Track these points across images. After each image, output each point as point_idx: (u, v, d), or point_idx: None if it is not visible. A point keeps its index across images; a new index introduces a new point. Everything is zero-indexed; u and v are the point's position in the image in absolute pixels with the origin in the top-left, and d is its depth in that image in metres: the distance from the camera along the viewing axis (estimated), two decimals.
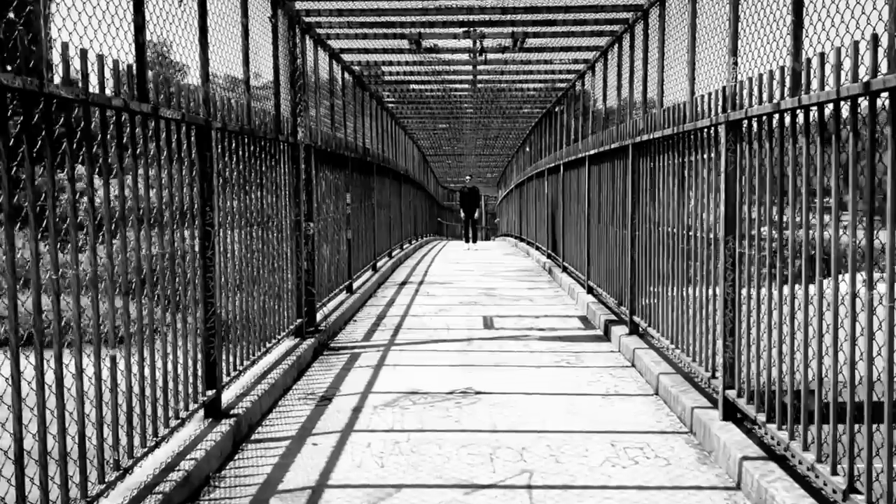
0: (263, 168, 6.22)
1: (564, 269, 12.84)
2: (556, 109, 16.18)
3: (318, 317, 8.03)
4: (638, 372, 6.62)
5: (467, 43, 10.26)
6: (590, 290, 10.10)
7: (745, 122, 4.49)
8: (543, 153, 17.72)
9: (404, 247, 19.44)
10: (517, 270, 15.15)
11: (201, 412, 4.81)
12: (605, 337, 8.12)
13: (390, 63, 12.25)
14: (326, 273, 8.76)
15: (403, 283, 12.93)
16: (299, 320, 7.23)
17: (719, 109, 4.86)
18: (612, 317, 8.42)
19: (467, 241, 22.49)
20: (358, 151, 11.47)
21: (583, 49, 10.18)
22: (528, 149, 22.68)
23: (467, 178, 22.86)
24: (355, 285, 10.86)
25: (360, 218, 11.74)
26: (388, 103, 16.71)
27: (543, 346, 7.70)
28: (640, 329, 7.29)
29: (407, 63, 12.35)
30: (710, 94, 5.05)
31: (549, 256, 15.52)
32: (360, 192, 11.68)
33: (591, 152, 9.74)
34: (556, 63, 11.39)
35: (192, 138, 4.60)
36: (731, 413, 4.74)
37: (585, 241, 10.37)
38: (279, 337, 6.59)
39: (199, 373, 4.77)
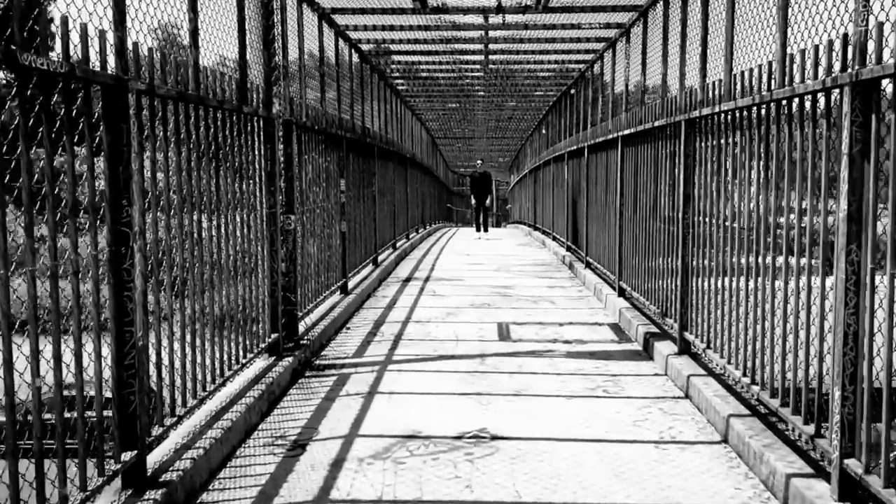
0: (222, 147, 4.87)
1: (588, 265, 11.46)
2: (574, 91, 14.74)
3: (302, 327, 6.70)
4: (695, 407, 5.26)
5: None
6: (621, 293, 8.73)
7: (890, 82, 3.10)
8: (563, 135, 16.30)
9: (411, 236, 18.09)
10: (534, 264, 13.78)
11: (118, 482, 3.50)
12: (646, 354, 6.77)
13: (392, 28, 10.85)
14: (314, 274, 7.43)
15: (408, 280, 11.59)
16: (274, 335, 5.90)
17: (836, 67, 3.48)
18: (653, 328, 7.05)
19: (478, 229, 21.11)
20: (356, 131, 10.10)
21: (617, 9, 8.73)
22: (544, 131, 21.24)
23: (478, 162, 21.42)
24: (351, 284, 9.53)
25: (359, 207, 10.39)
26: (392, 79, 15.30)
27: (572, 365, 6.36)
28: (693, 348, 5.94)
29: (412, 28, 10.96)
30: (819, 47, 3.67)
31: (568, 249, 14.14)
32: (358, 177, 10.32)
33: (626, 132, 8.35)
34: (585, 28, 9.93)
35: (100, 105, 3.26)
36: (851, 491, 3.40)
37: (616, 235, 8.99)
38: (246, 360, 5.27)
39: (114, 429, 3.46)
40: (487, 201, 21.08)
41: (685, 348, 6.08)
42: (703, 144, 5.70)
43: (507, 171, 44.39)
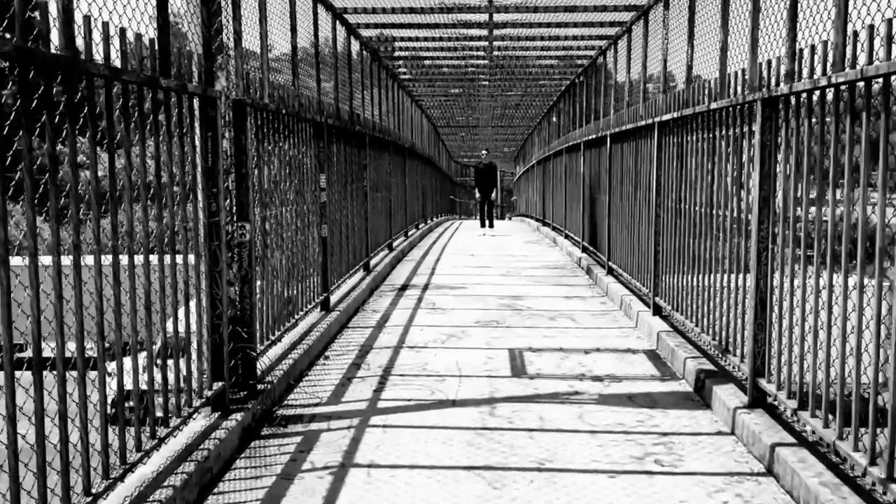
0: (129, 135, 3.42)
1: (610, 272, 10.00)
2: (590, 75, 13.24)
3: (262, 365, 5.26)
4: (787, 493, 3.81)
5: None
6: (657, 311, 7.28)
7: None
8: (577, 123, 14.81)
9: (410, 234, 16.64)
10: (545, 267, 12.31)
11: None
12: (700, 399, 5.31)
13: (391, 10, 9.41)
14: (279, 294, 5.97)
15: (404, 288, 10.13)
16: (218, 385, 4.45)
17: None
18: (706, 364, 5.60)
19: (483, 224, 19.65)
20: (341, 118, 8.63)
21: None
22: (554, 119, 19.73)
23: (483, 152, 19.91)
24: (335, 298, 8.09)
25: (346, 206, 8.93)
26: (387, 58, 13.79)
27: (609, 418, 4.91)
28: (772, 400, 4.49)
29: (412, 10, 9.52)
30: None
31: (584, 250, 12.67)
32: (344, 171, 8.85)
33: (665, 118, 6.87)
34: None
35: None
36: None
37: (650, 240, 7.53)
38: (170, 429, 3.82)
39: None
40: (493, 195, 19.60)
41: (758, 399, 4.62)
42: (790, 131, 4.24)
43: (512, 161, 42.89)
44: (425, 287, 10.18)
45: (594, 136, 11.28)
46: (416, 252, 14.71)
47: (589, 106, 13.59)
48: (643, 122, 7.84)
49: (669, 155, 6.87)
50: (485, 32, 13.14)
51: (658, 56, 8.18)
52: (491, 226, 19.67)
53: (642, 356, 6.51)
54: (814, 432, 3.96)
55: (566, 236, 15.45)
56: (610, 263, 9.98)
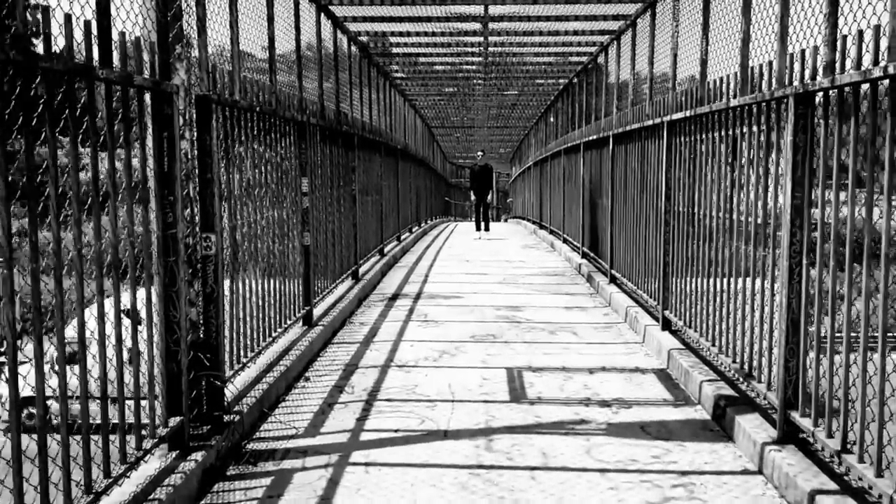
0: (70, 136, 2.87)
1: (613, 280, 9.45)
2: (590, 73, 12.72)
3: (232, 393, 4.70)
4: None
5: None
6: (666, 325, 6.74)
7: None
8: (576, 123, 14.28)
9: (403, 238, 16.09)
10: (544, 274, 11.77)
11: None
12: (720, 429, 4.77)
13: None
14: (255, 311, 5.41)
15: (395, 297, 9.57)
16: (175, 420, 3.90)
17: None
18: (725, 388, 5.06)
19: (478, 228, 19.07)
20: (326, 117, 8.07)
21: None
22: (552, 119, 19.20)
23: (479, 153, 19.32)
24: (319, 310, 7.53)
25: (332, 211, 8.37)
26: (378, 55, 13.23)
27: (620, 452, 4.36)
28: (808, 440, 3.95)
29: (402, 2, 8.97)
30: None
31: (584, 255, 12.13)
32: (330, 174, 8.30)
33: (676, 116, 6.33)
34: None
35: None
36: None
37: (659, 249, 7.00)
38: (114, 476, 3.26)
39: None
40: (489, 197, 19.04)
41: (789, 434, 4.08)
42: (829, 130, 3.70)
43: (508, 162, 42.40)
44: (417, 296, 9.63)
45: (595, 137, 10.74)
46: (409, 257, 14.15)
47: (589, 106, 13.06)
48: (650, 122, 7.29)
49: (681, 157, 6.33)
50: (479, 26, 12.61)
51: (666, 51, 7.64)
52: (487, 229, 19.11)
53: (652, 377, 5.96)
54: (860, 478, 3.41)
55: (565, 240, 14.91)
56: (612, 272, 9.44)
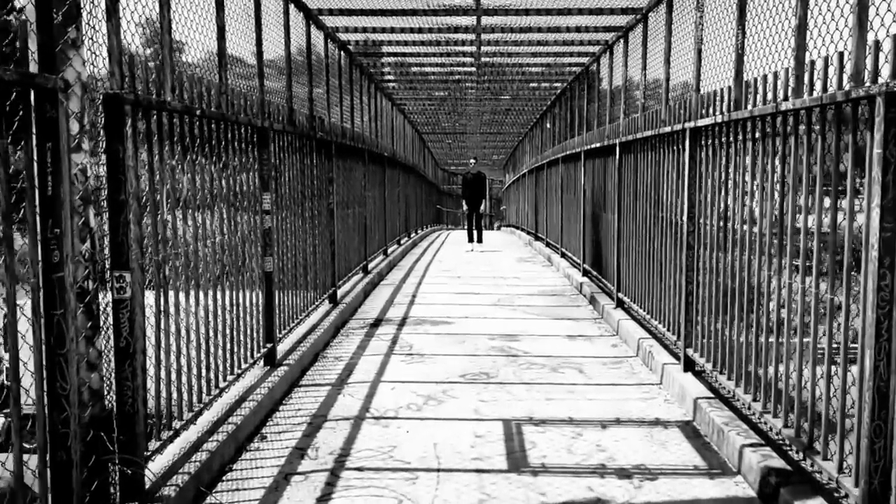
0: None
1: (620, 305, 8.49)
2: (591, 75, 11.78)
3: (155, 473, 3.70)
4: None
5: None
6: (689, 366, 5.77)
7: None
8: (575, 130, 13.34)
9: (390, 251, 15.11)
10: (542, 294, 10.80)
11: None
12: None
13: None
14: (193, 360, 4.41)
15: (377, 323, 8.59)
16: None
17: None
18: (775, 457, 4.09)
19: (470, 239, 18.08)
20: (296, 122, 7.07)
21: None
22: (548, 125, 18.27)
23: (471, 161, 18.33)
24: (286, 345, 6.54)
25: (304, 228, 7.38)
26: (358, 55, 12.25)
27: None
28: None
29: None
30: None
31: (585, 273, 11.17)
32: (302, 187, 7.32)
33: (701, 123, 5.37)
34: None
35: None
36: None
37: (678, 272, 6.05)
38: None
39: None
40: (481, 207, 18.05)
41: None
42: None
43: (501, 169, 41.51)
44: (402, 322, 8.64)
45: (599, 145, 9.78)
46: (396, 273, 13.16)
47: (589, 112, 12.13)
48: (667, 129, 6.34)
49: (710, 169, 5.37)
50: (472, 21, 11.69)
51: (684, 49, 6.70)
52: (479, 241, 18.12)
53: (677, 433, 4.99)
54: None
55: (563, 255, 13.95)
56: (619, 294, 8.47)
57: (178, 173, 4.09)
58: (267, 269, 5.86)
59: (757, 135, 4.47)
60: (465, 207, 18.08)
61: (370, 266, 12.09)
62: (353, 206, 10.52)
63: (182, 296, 4.17)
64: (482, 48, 13.27)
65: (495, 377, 6.27)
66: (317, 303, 7.93)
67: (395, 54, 12.30)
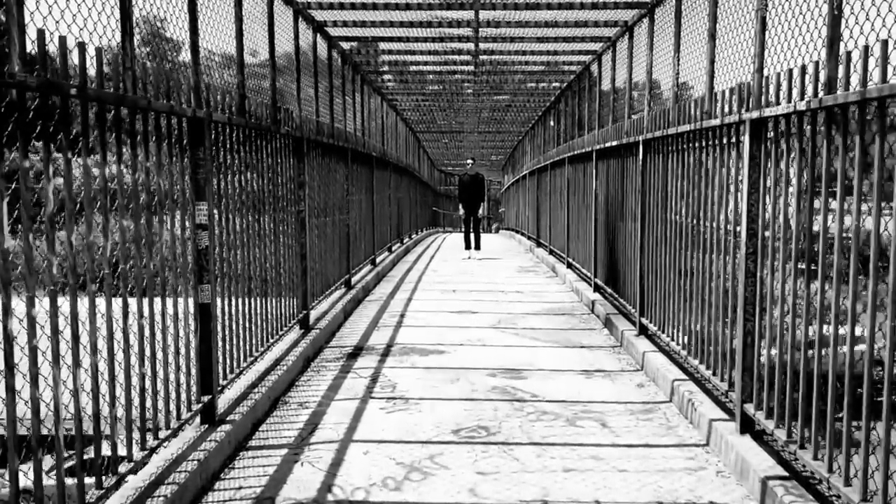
0: None
1: (643, 332, 7.19)
2: (601, 65, 10.48)
3: None
4: None
5: None
6: (747, 425, 4.47)
7: None
8: (587, 127, 12.04)
9: (379, 260, 13.81)
10: (549, 313, 9.49)
11: None
12: None
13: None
14: (66, 446, 3.08)
15: (356, 353, 7.28)
16: None
17: None
18: None
19: (468, 246, 16.77)
20: (249, 113, 5.74)
21: None
22: (552, 122, 16.98)
23: (468, 162, 17.00)
24: (233, 393, 5.22)
25: (267, 243, 6.06)
26: (337, 40, 10.92)
27: None
28: None
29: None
30: None
31: (597, 288, 9.88)
32: (260, 191, 6.00)
33: (773, 112, 4.06)
34: None
35: None
36: None
37: (732, 305, 4.75)
38: None
39: None
40: (479, 210, 16.74)
41: None
42: None
43: (500, 170, 40.26)
44: (386, 351, 7.32)
45: (615, 143, 8.48)
46: (385, 286, 11.85)
47: (602, 106, 10.82)
48: (714, 122, 5.03)
49: (778, 169, 4.06)
50: (470, 15, 10.46)
51: (739, 19, 5.39)
52: (477, 247, 16.80)
53: None
54: None
55: (570, 266, 12.65)
56: (642, 320, 7.17)
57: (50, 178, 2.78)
58: (203, 299, 4.55)
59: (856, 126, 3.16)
60: (461, 211, 16.76)
61: (354, 279, 10.79)
62: (333, 214, 9.21)
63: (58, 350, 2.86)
64: (480, 41, 12.07)
65: (497, 433, 4.97)
66: (283, 331, 6.62)
67: (379, 38, 10.98)
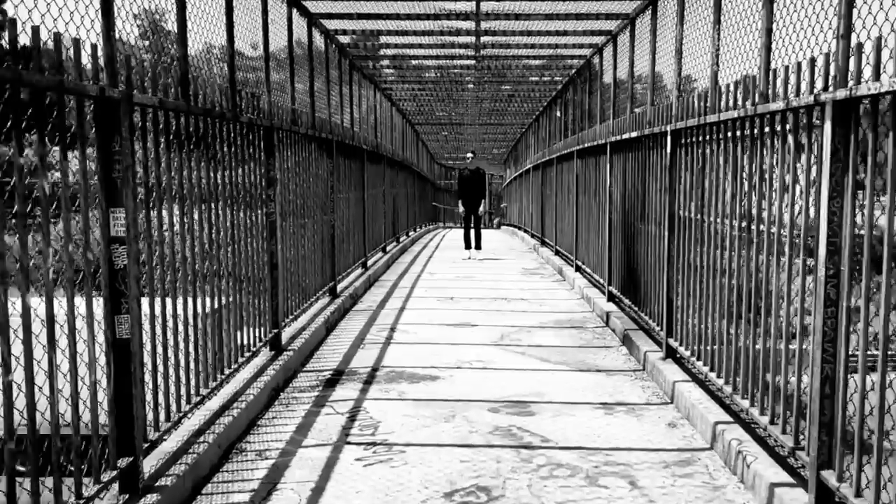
0: None
1: (672, 355, 6.15)
2: (614, 47, 9.43)
3: None
4: None
5: None
6: (824, 497, 3.43)
7: None
8: (599, 117, 10.98)
9: (372, 262, 12.79)
10: (558, 325, 8.45)
11: None
12: None
13: None
14: None
15: (335, 378, 6.25)
16: None
17: None
18: None
19: (468, 246, 15.72)
20: (194, 98, 4.68)
21: None
22: (558, 113, 15.92)
23: (469, 155, 15.90)
24: (171, 445, 4.17)
25: (225, 252, 5.02)
26: (319, 18, 9.87)
27: None
28: None
29: None
30: None
31: (611, 297, 8.85)
32: (213, 189, 4.95)
33: (868, 91, 3.02)
34: None
35: None
36: None
37: (799, 336, 3.71)
38: None
39: None
40: (480, 208, 15.68)
41: None
42: None
43: (502, 164, 39.21)
44: (370, 376, 6.29)
45: (635, 135, 7.43)
46: (376, 293, 10.81)
47: (616, 94, 9.76)
48: (776, 106, 3.98)
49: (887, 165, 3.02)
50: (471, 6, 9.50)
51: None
52: (478, 247, 15.74)
53: None
54: None
55: (578, 268, 11.61)
56: (671, 341, 6.13)
57: None
58: (121, 333, 3.51)
59: None
60: (461, 209, 15.70)
61: (341, 286, 9.76)
62: (315, 214, 8.17)
63: None
64: (482, 24, 11.05)
65: (500, 497, 3.94)
66: (247, 356, 5.59)
67: (371, 17, 9.92)
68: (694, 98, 5.51)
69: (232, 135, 5.29)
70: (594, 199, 10.05)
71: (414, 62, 15.16)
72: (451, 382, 6.08)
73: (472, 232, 15.72)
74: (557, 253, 14.41)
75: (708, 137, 5.21)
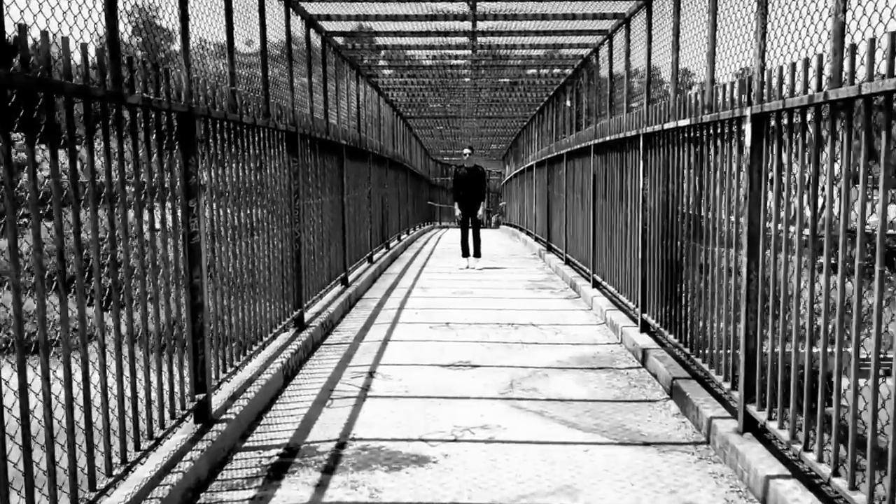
0: None
1: (751, 428, 4.41)
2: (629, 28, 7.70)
3: None
4: None
5: None
6: None
7: None
8: (625, 105, 9.23)
9: (354, 276, 11.06)
10: (581, 367, 6.72)
11: None
12: None
13: None
14: None
15: (283, 465, 4.49)
16: None
17: None
18: None
19: (465, 253, 13.95)
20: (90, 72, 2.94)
21: None
22: (567, 102, 14.17)
23: (465, 151, 14.12)
24: None
25: (118, 292, 3.28)
26: (303, 3, 8.12)
27: None
28: None
29: None
30: None
31: (644, 327, 7.12)
32: (85, 211, 3.21)
33: None
34: None
35: None
36: None
37: None
38: None
39: None
40: (479, 210, 13.93)
41: None
42: None
43: (500, 160, 37.49)
44: (333, 459, 4.53)
45: (685, 123, 5.68)
46: (356, 317, 9.06)
47: (650, 73, 8.02)
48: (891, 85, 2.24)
49: None
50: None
51: None
52: (477, 254, 13.96)
53: None
54: None
55: (596, 284, 9.88)
56: (751, 409, 4.38)
57: None
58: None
59: None
60: (458, 212, 13.95)
61: (311, 313, 8.01)
62: (270, 228, 6.42)
63: None
64: (478, 5, 9.45)
65: None
66: (160, 434, 3.84)
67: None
68: (800, 65, 3.76)
69: (122, 122, 3.54)
70: (619, 204, 8.31)
71: (407, 52, 13.49)
72: (444, 470, 4.34)
73: (471, 237, 13.97)
74: (568, 262, 12.68)
75: (827, 123, 3.47)
